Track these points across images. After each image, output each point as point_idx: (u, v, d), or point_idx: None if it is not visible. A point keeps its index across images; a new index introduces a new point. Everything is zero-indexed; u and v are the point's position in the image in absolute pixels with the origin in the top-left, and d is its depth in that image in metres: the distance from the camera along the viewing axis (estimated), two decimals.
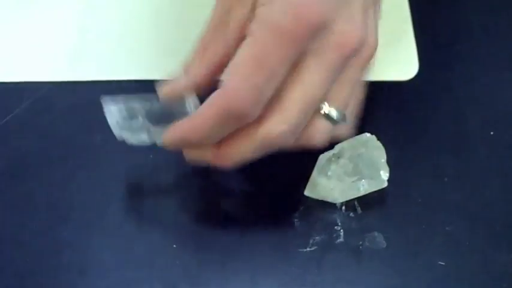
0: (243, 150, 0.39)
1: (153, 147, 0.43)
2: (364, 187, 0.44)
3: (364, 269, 0.43)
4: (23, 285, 0.43)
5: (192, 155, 0.42)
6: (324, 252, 0.44)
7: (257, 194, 0.45)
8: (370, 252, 0.44)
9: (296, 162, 0.44)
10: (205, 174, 0.45)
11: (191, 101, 0.41)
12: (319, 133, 0.39)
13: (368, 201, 0.45)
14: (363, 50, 0.39)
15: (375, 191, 0.45)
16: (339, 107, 0.40)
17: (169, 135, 0.40)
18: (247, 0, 0.39)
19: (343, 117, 0.39)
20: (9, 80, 0.50)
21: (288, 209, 0.45)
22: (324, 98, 0.39)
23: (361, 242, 0.44)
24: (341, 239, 0.44)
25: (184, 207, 0.45)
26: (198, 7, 0.53)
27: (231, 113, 0.37)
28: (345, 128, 0.42)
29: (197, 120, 0.39)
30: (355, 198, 0.45)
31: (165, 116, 0.41)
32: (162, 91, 0.41)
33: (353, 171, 0.44)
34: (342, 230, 0.44)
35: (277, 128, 0.38)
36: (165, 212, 0.45)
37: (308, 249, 0.44)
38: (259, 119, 0.38)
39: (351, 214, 0.45)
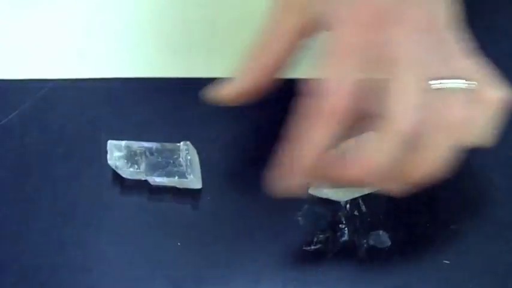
0: (380, 149, 0.37)
1: None
2: None
3: (369, 267, 0.43)
4: (27, 282, 0.43)
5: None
6: (328, 251, 0.44)
7: (261, 192, 0.45)
8: (375, 250, 0.44)
9: None
10: None
11: (184, 148, 0.44)
12: (452, 106, 0.37)
13: (372, 200, 0.45)
14: None
15: (380, 190, 0.45)
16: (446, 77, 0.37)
17: None
18: (294, 9, 0.39)
19: (460, 80, 0.37)
20: (14, 77, 0.50)
21: (292, 207, 0.45)
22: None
23: (365, 241, 0.44)
24: (345, 237, 0.44)
25: (189, 205, 0.45)
26: (202, 6, 0.54)
27: (326, 108, 0.36)
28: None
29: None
30: (360, 196, 0.45)
31: (159, 156, 0.44)
32: (220, 92, 0.40)
33: None
34: (346, 228, 0.44)
35: (405, 112, 0.36)
36: (170, 210, 0.45)
37: (312, 247, 0.44)
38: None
39: (356, 212, 0.45)
